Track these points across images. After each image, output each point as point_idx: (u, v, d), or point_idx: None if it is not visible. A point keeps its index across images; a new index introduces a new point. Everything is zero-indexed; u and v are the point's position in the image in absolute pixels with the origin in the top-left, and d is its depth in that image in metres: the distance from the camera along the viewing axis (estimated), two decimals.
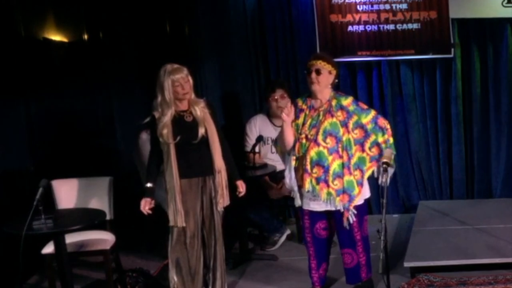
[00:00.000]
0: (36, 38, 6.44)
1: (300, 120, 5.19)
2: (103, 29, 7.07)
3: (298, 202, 5.25)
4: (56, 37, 6.66)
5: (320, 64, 5.12)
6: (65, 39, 6.75)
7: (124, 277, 5.63)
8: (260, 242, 6.62)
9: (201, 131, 5.06)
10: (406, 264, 5.61)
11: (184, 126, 5.07)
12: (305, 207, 5.25)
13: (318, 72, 5.11)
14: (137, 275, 5.63)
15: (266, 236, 6.63)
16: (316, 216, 5.26)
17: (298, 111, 5.22)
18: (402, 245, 6.14)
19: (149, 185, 5.12)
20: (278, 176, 6.57)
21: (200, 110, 5.10)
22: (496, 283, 5.37)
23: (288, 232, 6.69)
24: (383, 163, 4.82)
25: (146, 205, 5.06)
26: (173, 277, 5.17)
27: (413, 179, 7.33)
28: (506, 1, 6.72)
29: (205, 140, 5.09)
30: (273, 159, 6.61)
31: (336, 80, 5.23)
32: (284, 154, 5.32)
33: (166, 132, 5.01)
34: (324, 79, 5.12)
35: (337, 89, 5.38)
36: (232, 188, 5.25)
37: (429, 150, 7.24)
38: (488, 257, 5.63)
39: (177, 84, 5.02)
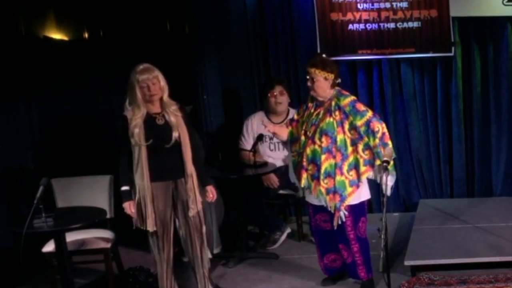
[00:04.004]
0: (37, 37, 6.45)
1: (304, 118, 5.30)
2: (103, 28, 7.08)
3: (300, 193, 5.43)
4: (57, 35, 6.66)
5: (314, 72, 5.18)
6: (65, 38, 6.75)
7: (124, 275, 5.64)
8: (261, 241, 6.62)
9: (175, 135, 4.99)
10: (407, 263, 5.60)
11: (156, 129, 4.99)
12: (307, 199, 5.38)
13: (313, 80, 5.19)
14: (137, 273, 5.64)
15: (267, 235, 6.63)
16: (316, 208, 5.34)
17: (304, 109, 5.34)
18: (402, 243, 6.14)
19: (124, 188, 5.06)
20: (278, 172, 6.56)
21: (173, 114, 5.00)
22: (496, 282, 5.37)
23: (288, 230, 6.68)
24: (383, 161, 4.83)
25: (131, 208, 5.02)
26: (163, 276, 5.19)
27: (414, 177, 7.32)
28: None
29: (178, 144, 5.02)
30: (273, 157, 6.61)
31: (337, 81, 5.25)
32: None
33: (138, 132, 4.93)
34: (319, 85, 5.18)
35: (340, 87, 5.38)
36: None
37: (429, 148, 7.24)
38: (488, 255, 5.62)
39: (144, 85, 4.92)
